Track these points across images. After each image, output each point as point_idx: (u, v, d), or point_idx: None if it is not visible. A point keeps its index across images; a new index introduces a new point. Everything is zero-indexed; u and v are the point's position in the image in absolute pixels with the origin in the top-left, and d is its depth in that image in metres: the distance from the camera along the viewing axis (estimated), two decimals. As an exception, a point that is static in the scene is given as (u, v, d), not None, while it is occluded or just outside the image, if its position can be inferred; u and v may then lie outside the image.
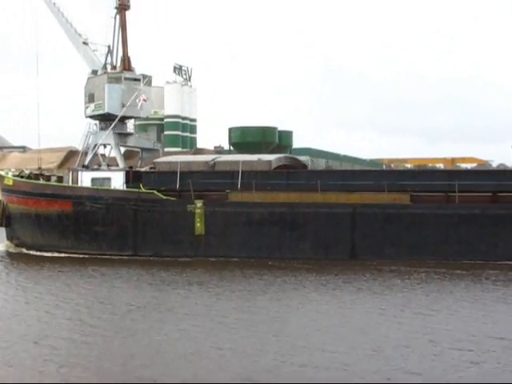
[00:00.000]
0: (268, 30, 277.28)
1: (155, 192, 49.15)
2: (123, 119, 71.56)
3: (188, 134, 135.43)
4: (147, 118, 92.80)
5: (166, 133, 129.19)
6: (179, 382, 17.22)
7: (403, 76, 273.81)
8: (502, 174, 49.14)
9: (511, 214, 42.80)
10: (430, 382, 16.99)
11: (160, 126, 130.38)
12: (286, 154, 64.48)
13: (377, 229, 44.46)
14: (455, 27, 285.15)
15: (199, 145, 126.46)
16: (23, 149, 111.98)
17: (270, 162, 50.23)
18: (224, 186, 48.58)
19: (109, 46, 71.41)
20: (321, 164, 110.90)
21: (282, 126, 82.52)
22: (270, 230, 46.09)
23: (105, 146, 73.34)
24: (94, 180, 53.66)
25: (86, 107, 71.97)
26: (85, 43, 72.45)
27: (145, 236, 48.64)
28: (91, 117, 72.14)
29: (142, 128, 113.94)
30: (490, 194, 44.58)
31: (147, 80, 71.65)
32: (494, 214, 43.03)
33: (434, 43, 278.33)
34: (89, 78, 72.33)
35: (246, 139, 78.91)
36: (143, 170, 54.74)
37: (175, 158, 57.37)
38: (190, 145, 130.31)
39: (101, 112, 70.12)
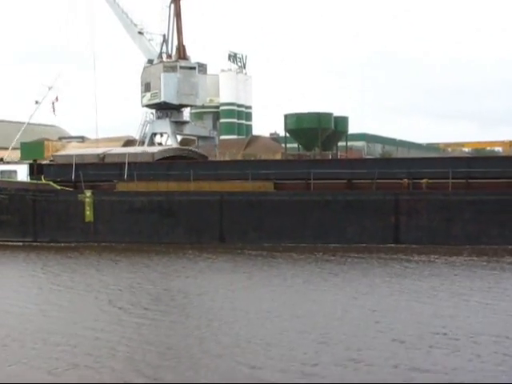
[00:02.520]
0: (321, 15, 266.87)
1: (51, 183, 51.85)
2: (179, 107, 72.39)
3: (244, 122, 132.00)
4: (203, 106, 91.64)
5: (221, 120, 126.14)
6: (185, 382, 17.29)
7: (456, 61, 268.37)
8: (357, 162, 52.02)
9: (359, 200, 45.53)
10: (429, 381, 17.03)
11: (216, 113, 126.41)
12: (182, 147, 66.57)
13: (242, 215, 47.28)
14: (508, 13, 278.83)
15: (255, 132, 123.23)
16: (82, 139, 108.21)
17: (153, 154, 53.03)
18: (113, 177, 51.40)
19: (164, 35, 72.41)
20: (377, 149, 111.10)
21: (337, 112, 79.53)
22: (149, 217, 48.94)
23: (161, 134, 74.82)
24: (2, 172, 55.89)
25: (143, 96, 73.01)
26: (140, 33, 73.46)
27: (43, 223, 51.38)
28: (148, 106, 73.25)
29: (198, 116, 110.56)
30: (345, 181, 47.26)
31: (202, 68, 72.72)
32: (344, 199, 45.82)
33: (487, 26, 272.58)
34: (145, 68, 72.92)
35: (301, 125, 76.05)
36: (44, 163, 57.05)
37: (71, 151, 59.75)
38: (245, 132, 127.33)
39: (157, 101, 70.89)
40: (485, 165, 46.17)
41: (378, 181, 46.04)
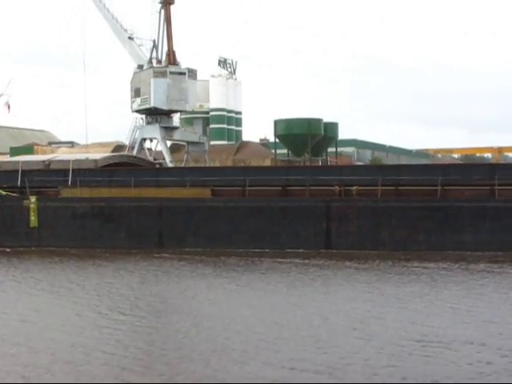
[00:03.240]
0: (311, 21, 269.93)
1: (-3, 189, 52.33)
2: (169, 113, 71.86)
3: (233, 127, 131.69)
4: (193, 112, 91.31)
5: (211, 126, 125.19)
6: (190, 382, 17.61)
7: (446, 67, 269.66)
8: (291, 169, 52.93)
9: (292, 206, 46.37)
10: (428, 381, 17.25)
11: (206, 119, 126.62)
12: (128, 154, 66.91)
13: (180, 220, 47.99)
14: (497, 18, 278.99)
15: (245, 137, 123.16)
16: (71, 144, 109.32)
17: (95, 160, 53.60)
18: (57, 183, 51.95)
19: (154, 41, 71.82)
20: (367, 155, 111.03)
21: (327, 118, 79.88)
22: (92, 222, 49.55)
23: (151, 140, 74.02)
24: None
25: (133, 102, 72.25)
26: (130, 38, 72.84)
27: (-10, 228, 51.82)
28: (137, 111, 72.37)
29: (188, 122, 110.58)
30: (279, 187, 48.10)
31: (192, 74, 72.25)
32: (277, 206, 46.65)
33: (475, 35, 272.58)
34: (135, 73, 72.35)
35: (291, 131, 75.84)
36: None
37: (18, 158, 60.03)
38: (235, 137, 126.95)
39: (147, 106, 70.26)
40: (413, 172, 47.19)
41: (312, 188, 46.89)
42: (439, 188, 44.52)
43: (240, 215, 47.02)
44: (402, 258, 40.53)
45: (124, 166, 56.09)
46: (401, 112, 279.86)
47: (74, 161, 52.65)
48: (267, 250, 44.80)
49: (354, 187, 46.00)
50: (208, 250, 45.48)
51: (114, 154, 60.70)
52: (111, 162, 54.94)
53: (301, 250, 44.39)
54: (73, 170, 51.59)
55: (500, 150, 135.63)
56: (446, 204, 44.04)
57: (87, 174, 51.97)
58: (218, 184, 49.25)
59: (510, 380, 17.24)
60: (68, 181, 51.54)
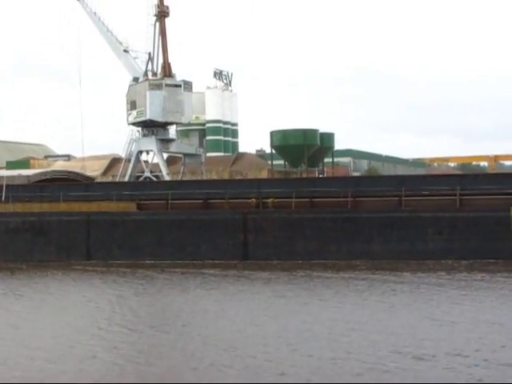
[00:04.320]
0: (306, 33, 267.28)
1: None
2: (165, 125, 71.46)
3: (230, 139, 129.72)
4: (189, 124, 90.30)
5: (207, 138, 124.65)
6: (182, 382, 18.01)
7: (437, 78, 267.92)
8: (212, 182, 54.05)
9: (212, 219, 47.39)
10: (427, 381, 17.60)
11: (202, 131, 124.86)
12: (61, 169, 67.55)
13: (106, 233, 48.92)
14: (490, 27, 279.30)
15: (241, 149, 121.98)
16: (68, 157, 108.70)
17: (28, 176, 54.48)
18: (-9, 199, 52.80)
19: (149, 53, 71.41)
20: (363, 165, 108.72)
21: (323, 129, 77.94)
22: (23, 236, 50.40)
23: (148, 152, 73.40)
24: None
25: (129, 114, 71.76)
26: (125, 51, 72.56)
27: None
28: (133, 124, 71.84)
29: (184, 134, 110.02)
30: (201, 201, 49.13)
31: (188, 86, 71.84)
32: (198, 219, 47.68)
33: (468, 46, 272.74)
34: (130, 86, 71.99)
35: (287, 142, 74.81)
36: None
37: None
38: (232, 149, 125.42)
39: (143, 119, 69.76)
40: (326, 185, 48.33)
41: (231, 200, 47.93)
42: (349, 199, 45.62)
43: (163, 228, 48.01)
44: (316, 268, 41.58)
45: (62, 181, 57.05)
46: (395, 122, 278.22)
47: (7, 177, 53.50)
48: (187, 262, 45.85)
49: (270, 200, 47.04)
50: (133, 262, 46.45)
51: (47, 169, 61.70)
52: (43, 177, 55.79)
53: (220, 261, 45.39)
54: (6, 186, 52.41)
55: (496, 158, 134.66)
56: (355, 215, 45.18)
57: (20, 189, 52.88)
58: (143, 198, 50.18)
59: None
60: (1, 196, 52.36)
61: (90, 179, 60.75)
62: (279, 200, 47.02)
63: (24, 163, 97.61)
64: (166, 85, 69.40)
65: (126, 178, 71.01)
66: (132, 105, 70.99)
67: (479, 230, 42.84)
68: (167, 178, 69.48)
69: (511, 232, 42.29)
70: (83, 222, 49.53)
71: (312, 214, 45.87)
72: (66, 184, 55.86)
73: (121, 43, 72.76)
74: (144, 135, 71.63)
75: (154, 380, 18.68)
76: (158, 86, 69.17)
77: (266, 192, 47.86)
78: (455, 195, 44.22)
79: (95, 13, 73.59)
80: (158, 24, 70.93)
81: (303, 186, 47.82)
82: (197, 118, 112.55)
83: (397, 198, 45.32)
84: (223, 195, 48.13)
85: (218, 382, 17.95)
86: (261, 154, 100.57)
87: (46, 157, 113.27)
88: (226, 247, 46.48)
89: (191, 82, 72.88)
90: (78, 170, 79.91)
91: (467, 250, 42.60)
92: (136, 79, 71.72)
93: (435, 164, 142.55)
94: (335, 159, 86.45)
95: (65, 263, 47.73)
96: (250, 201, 47.47)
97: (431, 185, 46.04)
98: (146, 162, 73.39)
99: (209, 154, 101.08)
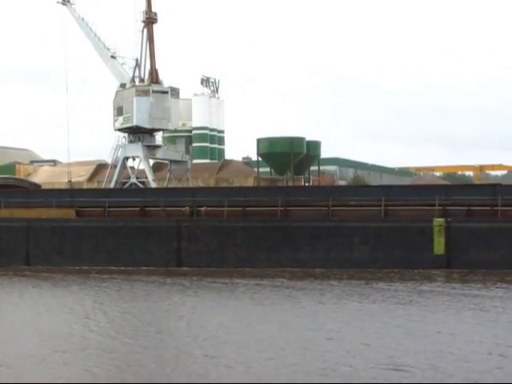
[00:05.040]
0: (293, 40, 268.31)
1: None
2: (152, 131, 70.99)
3: (216, 146, 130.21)
4: (175, 130, 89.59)
5: (194, 144, 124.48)
6: (184, 382, 18.08)
7: (423, 87, 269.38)
8: (148, 191, 54.72)
9: (147, 226, 47.97)
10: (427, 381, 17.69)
11: (188, 137, 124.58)
12: (6, 176, 67.55)
13: (45, 240, 49.31)
14: (474, 35, 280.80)
15: (227, 156, 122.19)
16: (53, 162, 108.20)
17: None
18: None
19: (136, 60, 71.26)
20: (349, 174, 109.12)
21: (309, 137, 78.66)
22: (-35, 242, 50.60)
23: (134, 158, 72.98)
24: None
25: (115, 120, 71.48)
26: (113, 57, 72.49)
27: None
28: (120, 130, 71.51)
29: (171, 140, 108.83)
30: (138, 208, 49.69)
31: (175, 92, 71.58)
32: (134, 226, 48.21)
33: (451, 52, 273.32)
34: (117, 92, 71.72)
35: (274, 150, 75.11)
36: None
37: None
38: (218, 156, 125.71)
39: (129, 125, 69.49)
40: (258, 194, 49.19)
41: (167, 208, 48.55)
42: (279, 209, 46.44)
43: (100, 234, 48.52)
44: (247, 275, 42.36)
45: (9, 188, 57.35)
46: (382, 131, 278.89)
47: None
48: (123, 268, 46.38)
49: (203, 208, 47.73)
50: (71, 268, 46.89)
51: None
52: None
53: (154, 268, 45.97)
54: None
55: (481, 168, 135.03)
56: (285, 224, 46.00)
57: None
58: (82, 205, 50.64)
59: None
60: None
61: (38, 186, 61.00)
62: (212, 208, 47.73)
63: (10, 168, 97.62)
64: (153, 91, 69.48)
65: (112, 184, 70.85)
66: (119, 111, 70.94)
67: (402, 239, 43.85)
68: (153, 184, 69.53)
69: (432, 242, 43.34)
70: (23, 228, 49.88)
71: (243, 222, 46.60)
72: (8, 191, 56.07)
73: (108, 49, 72.83)
74: (130, 141, 71.59)
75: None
76: (145, 93, 69.20)
77: (200, 200, 48.58)
78: (380, 206, 45.15)
79: (83, 18, 73.74)
80: (145, 30, 71.08)
81: (236, 196, 48.58)
82: (183, 124, 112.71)
83: (325, 208, 46.21)
84: (159, 203, 48.72)
85: (217, 382, 18.17)
86: (247, 162, 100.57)
87: (32, 162, 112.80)
88: (160, 254, 47.06)
89: (178, 89, 73.02)
90: (63, 175, 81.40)
91: (391, 259, 43.59)
92: (123, 85, 71.74)
93: (421, 173, 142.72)
94: (321, 167, 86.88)
95: (3, 268, 48.01)
96: (184, 209, 48.10)
97: (358, 195, 47.03)
98: (132, 168, 73.24)
99: (195, 161, 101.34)
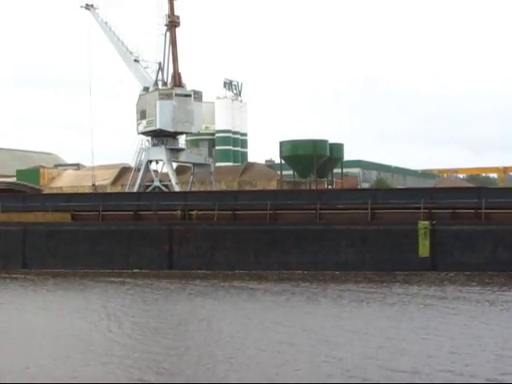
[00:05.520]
0: (316, 42, 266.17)
1: None
2: (175, 135, 71.34)
3: (239, 149, 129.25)
4: (198, 134, 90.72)
5: (217, 148, 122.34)
6: (182, 382, 18.18)
7: (448, 89, 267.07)
8: (142, 195, 55.53)
9: (140, 230, 48.73)
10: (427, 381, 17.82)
11: (211, 140, 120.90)
12: (5, 180, 68.51)
13: (42, 243, 50.20)
14: (499, 37, 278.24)
15: (250, 159, 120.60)
16: (77, 166, 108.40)
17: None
18: None
19: (159, 63, 71.56)
20: (372, 176, 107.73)
21: (332, 139, 78.36)
22: (-36, 245, 51.60)
23: (157, 161, 73.16)
24: None
25: (138, 124, 71.82)
26: (136, 61, 72.75)
27: None
28: (143, 133, 71.87)
29: (194, 143, 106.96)
30: (132, 212, 50.41)
31: (198, 96, 71.81)
32: (127, 229, 48.98)
33: (476, 54, 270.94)
34: (140, 95, 72.06)
35: (296, 152, 74.83)
36: None
37: None
38: (241, 159, 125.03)
39: (153, 128, 69.76)
40: (248, 198, 49.83)
41: (160, 212, 49.31)
42: (268, 212, 47.05)
43: (95, 238, 49.34)
44: (238, 277, 43.06)
45: (8, 192, 58.41)
46: (405, 133, 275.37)
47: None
48: (116, 270, 47.17)
49: (194, 212, 48.43)
50: (67, 271, 47.78)
51: None
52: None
53: (146, 271, 46.76)
54: (-51, 196, 53.66)
55: (505, 169, 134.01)
56: (273, 227, 46.60)
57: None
58: (77, 209, 51.49)
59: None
60: None
61: (37, 190, 61.96)
62: (203, 212, 48.43)
63: (34, 172, 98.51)
64: (176, 94, 69.53)
65: (136, 188, 71.15)
66: (142, 114, 71.07)
67: (388, 242, 44.35)
68: (176, 187, 69.71)
69: (418, 245, 43.80)
70: (20, 232, 50.82)
71: (233, 225, 47.26)
72: (6, 195, 57.03)
73: (131, 53, 73.01)
74: (154, 145, 71.72)
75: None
76: (168, 96, 69.23)
77: (191, 204, 49.30)
78: (367, 209, 45.66)
79: (106, 22, 74.05)
80: (168, 34, 71.11)
81: (226, 200, 49.28)
82: (206, 127, 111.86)
83: (313, 212, 46.77)
84: (152, 207, 49.48)
85: (218, 382, 18.36)
86: (270, 165, 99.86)
87: (56, 166, 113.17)
88: (152, 257, 47.84)
89: (201, 92, 73.20)
90: (87, 178, 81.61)
91: (377, 261, 44.10)
92: (146, 89, 71.85)
93: (444, 175, 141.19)
94: (344, 170, 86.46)
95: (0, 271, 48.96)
96: (175, 213, 48.83)
97: (345, 199, 47.57)
98: (155, 171, 73.40)
99: (218, 164, 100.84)
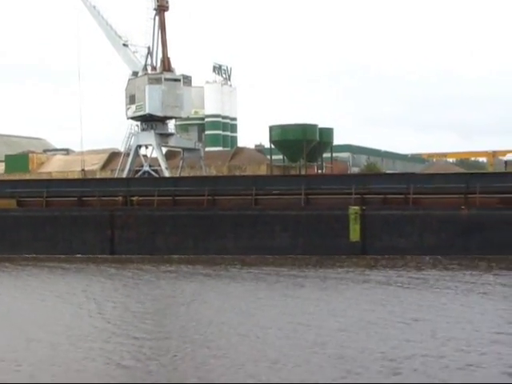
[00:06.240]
0: (305, 28, 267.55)
1: None
2: (164, 119, 70.87)
3: (229, 133, 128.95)
4: (188, 118, 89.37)
5: (206, 132, 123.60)
6: (188, 383, 18.13)
7: (436, 73, 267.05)
8: (86, 181, 56.32)
9: (82, 215, 49.48)
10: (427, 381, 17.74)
11: (201, 125, 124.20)
12: None
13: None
14: (489, 22, 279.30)
15: (240, 143, 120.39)
16: (66, 151, 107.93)
17: None
18: None
19: (148, 48, 70.95)
20: (362, 160, 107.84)
21: (321, 124, 77.96)
22: None
23: (146, 146, 72.79)
24: None
25: (127, 109, 71.29)
26: (125, 45, 72.03)
27: None
28: (132, 118, 71.36)
29: (183, 128, 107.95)
30: (76, 198, 51.12)
31: (187, 80, 71.07)
32: (70, 215, 49.63)
33: (465, 39, 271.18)
34: (129, 80, 71.42)
35: (286, 137, 74.56)
36: None
37: None
38: (231, 144, 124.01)
39: (142, 113, 69.39)
40: (187, 184, 50.94)
41: (104, 198, 50.09)
42: (206, 198, 47.96)
43: (39, 224, 50.05)
44: (176, 261, 44.16)
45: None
46: (393, 117, 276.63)
47: None
48: (61, 256, 48.01)
49: (135, 197, 49.26)
50: (12, 256, 48.52)
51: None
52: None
53: (89, 256, 47.65)
54: None
55: (494, 153, 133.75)
56: (211, 212, 47.53)
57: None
58: (23, 195, 52.13)
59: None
60: None
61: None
62: (143, 198, 49.28)
63: (23, 157, 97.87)
64: (166, 79, 69.12)
65: (125, 172, 71.13)
66: (131, 99, 70.68)
67: (321, 227, 45.41)
68: (166, 172, 69.71)
69: (349, 229, 44.90)
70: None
71: (172, 211, 48.14)
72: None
73: (120, 37, 72.35)
74: (143, 129, 71.36)
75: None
76: (158, 81, 68.81)
77: (133, 190, 50.11)
78: (301, 194, 46.63)
79: (95, 6, 73.40)
80: (157, 18, 70.58)
81: (166, 185, 50.12)
82: (196, 112, 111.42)
83: (250, 197, 47.70)
84: (95, 193, 50.23)
85: (218, 382, 18.31)
86: (260, 149, 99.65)
87: (45, 151, 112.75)
88: (94, 242, 48.69)
89: (190, 77, 72.46)
90: (77, 163, 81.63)
91: (310, 245, 45.19)
92: (135, 73, 71.37)
93: (433, 159, 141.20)
94: (334, 154, 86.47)
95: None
96: (117, 198, 49.64)
97: (281, 185, 48.53)
98: (144, 156, 73.30)
99: (208, 149, 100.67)
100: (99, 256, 47.39)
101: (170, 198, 49.13)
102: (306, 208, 46.49)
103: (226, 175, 63.95)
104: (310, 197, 47.02)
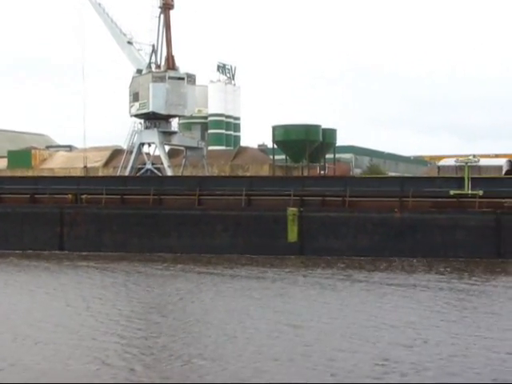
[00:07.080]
0: (310, 27, 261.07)
1: None
2: (168, 118, 70.64)
3: (232, 133, 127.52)
4: (191, 117, 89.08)
5: (209, 131, 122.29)
6: (178, 383, 18.00)
7: (439, 75, 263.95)
8: (40, 179, 57.18)
9: (34, 212, 50.41)
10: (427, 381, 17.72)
11: (204, 124, 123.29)
12: None
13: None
14: (490, 24, 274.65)
15: (243, 143, 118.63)
16: (69, 148, 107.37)
17: None
18: None
19: (153, 46, 70.78)
20: (364, 162, 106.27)
21: (325, 124, 77.85)
22: None
23: (149, 144, 72.70)
24: None
25: (131, 106, 71.18)
26: (129, 43, 71.93)
27: None
28: (136, 116, 71.21)
29: (187, 126, 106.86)
30: (28, 195, 52.10)
31: (191, 79, 70.87)
32: (21, 212, 50.49)
33: (468, 41, 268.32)
34: (133, 78, 71.29)
35: (289, 137, 74.52)
36: None
37: None
38: (233, 143, 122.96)
39: (145, 111, 69.18)
40: (135, 183, 51.98)
41: (55, 196, 51.15)
42: (151, 197, 48.97)
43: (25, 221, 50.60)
44: (123, 258, 45.04)
45: None
46: (396, 119, 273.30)
47: None
48: (11, 251, 49.00)
49: (84, 196, 50.28)
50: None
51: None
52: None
53: (38, 252, 48.69)
54: None
55: (496, 157, 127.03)
56: (156, 211, 48.56)
57: None
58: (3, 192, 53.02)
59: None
60: None
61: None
62: (92, 196, 50.27)
63: (25, 153, 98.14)
64: (170, 77, 68.94)
65: (128, 170, 71.18)
66: (135, 97, 70.64)
67: (260, 227, 46.36)
68: (169, 170, 69.90)
69: (287, 230, 45.79)
70: None
71: (118, 209, 49.20)
72: None
73: (125, 35, 72.33)
74: (146, 127, 71.29)
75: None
76: (161, 79, 68.65)
77: (82, 189, 51.13)
78: (242, 195, 47.55)
79: (100, 4, 73.51)
80: (162, 16, 70.50)
81: (115, 185, 51.13)
82: (199, 111, 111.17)
83: (194, 197, 48.66)
84: (46, 191, 51.25)
85: (218, 382, 18.25)
86: (262, 149, 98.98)
87: (48, 147, 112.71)
88: (45, 239, 49.76)
89: (194, 75, 72.33)
90: (79, 160, 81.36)
91: (249, 245, 46.14)
92: (139, 71, 71.28)
93: (436, 162, 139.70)
94: (337, 155, 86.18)
95: None
96: (67, 196, 50.67)
97: (224, 185, 49.43)
98: (147, 154, 73.22)
99: (210, 148, 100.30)
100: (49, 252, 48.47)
101: (119, 196, 50.14)
102: (247, 209, 47.41)
103: (171, 175, 64.76)
104: (251, 198, 47.94)
